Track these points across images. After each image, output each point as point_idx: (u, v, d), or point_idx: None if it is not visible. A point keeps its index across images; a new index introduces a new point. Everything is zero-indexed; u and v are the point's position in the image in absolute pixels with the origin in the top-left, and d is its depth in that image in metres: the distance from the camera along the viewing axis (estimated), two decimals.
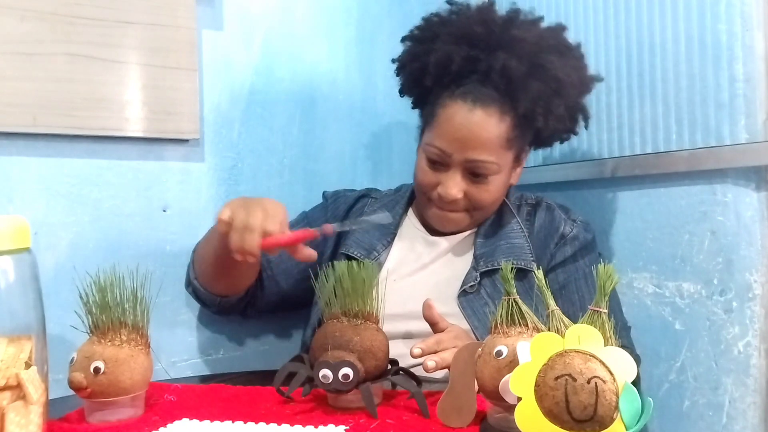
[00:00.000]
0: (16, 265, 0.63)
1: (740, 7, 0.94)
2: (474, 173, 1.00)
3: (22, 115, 1.06)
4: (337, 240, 1.13)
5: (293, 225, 1.18)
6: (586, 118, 1.07)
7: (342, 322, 0.76)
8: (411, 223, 1.13)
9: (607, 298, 0.61)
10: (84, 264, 0.87)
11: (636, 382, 0.93)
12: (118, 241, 1.16)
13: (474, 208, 1.03)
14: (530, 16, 1.03)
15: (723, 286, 0.98)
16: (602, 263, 1.03)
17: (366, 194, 1.20)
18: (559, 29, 1.04)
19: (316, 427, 0.68)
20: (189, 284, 1.12)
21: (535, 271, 0.65)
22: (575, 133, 1.09)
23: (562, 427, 0.55)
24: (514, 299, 0.66)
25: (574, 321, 0.62)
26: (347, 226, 0.98)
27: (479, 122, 0.96)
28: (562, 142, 1.15)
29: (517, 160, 1.06)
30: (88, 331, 0.74)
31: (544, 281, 0.65)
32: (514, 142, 1.00)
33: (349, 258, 1.05)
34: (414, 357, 0.80)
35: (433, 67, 1.00)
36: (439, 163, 1.01)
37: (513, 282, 0.67)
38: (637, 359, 1.01)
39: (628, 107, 1.13)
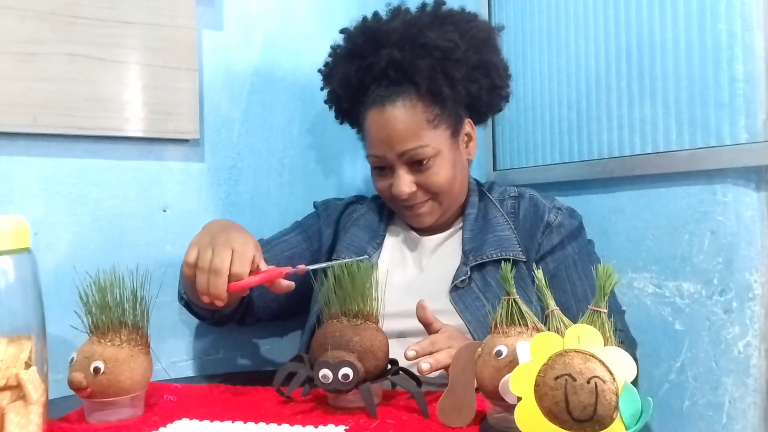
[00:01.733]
0: (16, 265, 0.63)
1: (740, 7, 0.94)
2: (413, 162, 1.02)
3: (22, 115, 1.06)
4: (330, 249, 1.14)
5: (287, 234, 1.19)
6: (505, 69, 1.10)
7: (342, 322, 0.76)
8: (399, 224, 1.15)
9: (607, 297, 0.61)
10: (84, 264, 0.87)
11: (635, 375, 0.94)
12: (118, 241, 1.16)
13: (434, 194, 1.04)
14: (410, 8, 1.07)
15: (723, 286, 0.98)
16: (594, 248, 1.05)
17: (354, 201, 1.22)
18: (437, 4, 1.07)
19: (316, 427, 0.68)
20: (180, 298, 1.11)
21: (535, 271, 0.65)
22: (504, 88, 1.10)
23: (561, 427, 0.55)
24: (513, 299, 0.66)
25: (568, 310, 0.62)
26: (321, 265, 0.91)
27: (393, 118, 1.01)
28: (502, 104, 1.14)
29: (456, 134, 1.06)
30: (88, 331, 0.74)
31: (543, 281, 0.65)
32: (439, 120, 1.02)
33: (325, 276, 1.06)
34: (408, 360, 0.80)
35: (341, 91, 1.08)
36: (383, 169, 1.06)
37: (513, 282, 0.67)
38: (633, 343, 1.04)
39: (628, 107, 1.13)
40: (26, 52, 1.06)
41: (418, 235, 1.12)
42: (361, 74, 1.05)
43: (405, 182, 1.02)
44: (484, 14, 1.47)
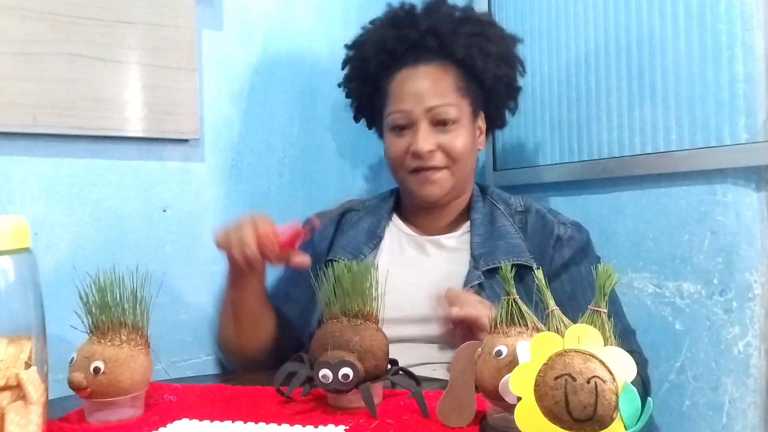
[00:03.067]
0: (16, 265, 0.63)
1: (740, 7, 0.94)
2: (439, 121, 1.04)
3: (22, 115, 1.06)
4: (327, 251, 1.13)
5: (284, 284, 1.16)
6: (522, 65, 1.16)
7: (342, 322, 0.76)
8: (397, 226, 1.14)
9: (606, 297, 0.61)
10: (84, 264, 0.87)
11: (646, 386, 0.94)
12: (118, 241, 1.16)
13: (452, 160, 1.05)
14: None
15: (723, 286, 0.98)
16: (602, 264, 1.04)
17: (349, 208, 1.20)
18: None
19: (316, 427, 0.68)
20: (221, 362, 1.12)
21: (535, 271, 0.65)
22: (515, 95, 1.16)
23: (561, 427, 0.55)
24: (513, 299, 0.66)
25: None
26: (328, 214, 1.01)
27: (427, 74, 1.05)
28: (513, 107, 1.18)
29: (475, 116, 1.10)
30: (88, 331, 0.74)
31: (543, 281, 0.65)
32: (466, 92, 1.07)
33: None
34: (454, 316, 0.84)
35: (371, 52, 1.10)
36: (404, 127, 1.06)
37: (513, 282, 0.67)
38: (645, 362, 1.00)
39: (628, 107, 1.13)
40: (26, 52, 1.06)
41: (419, 236, 1.11)
42: (396, 41, 1.08)
43: (427, 139, 1.03)
44: None
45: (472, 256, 1.04)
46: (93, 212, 1.14)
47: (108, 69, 1.12)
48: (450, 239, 1.09)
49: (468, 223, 1.10)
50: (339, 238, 1.14)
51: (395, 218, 1.15)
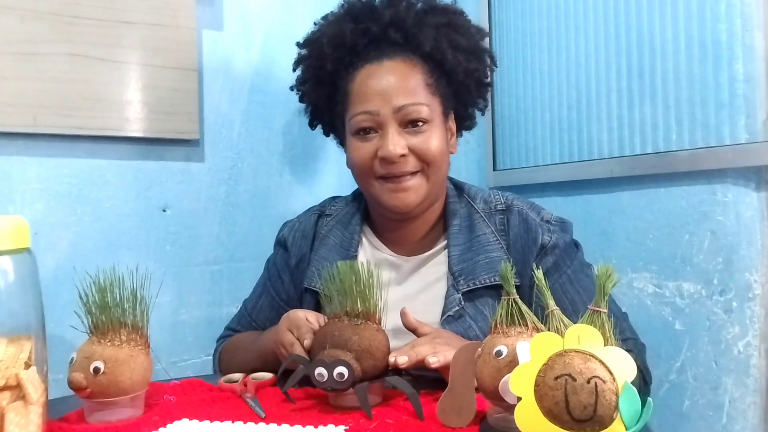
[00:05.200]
0: (16, 265, 0.63)
1: (740, 7, 0.94)
2: (409, 122, 0.94)
3: (22, 115, 1.06)
4: (300, 278, 1.06)
5: (259, 298, 1.12)
6: (492, 59, 1.07)
7: (343, 321, 0.76)
8: (370, 242, 1.05)
9: (606, 297, 0.61)
10: (84, 264, 0.87)
11: (643, 374, 0.92)
12: (118, 241, 1.16)
13: (426, 164, 0.95)
14: None
15: (723, 286, 0.98)
16: (585, 257, 1.02)
17: (321, 213, 1.10)
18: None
19: (316, 427, 0.68)
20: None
21: (535, 271, 0.65)
22: (485, 93, 1.06)
23: (561, 427, 0.55)
24: (513, 299, 0.66)
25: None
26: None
27: (393, 70, 0.95)
28: (483, 106, 1.08)
29: (446, 116, 1.00)
30: (88, 332, 0.74)
31: (543, 281, 0.65)
32: (436, 89, 0.97)
33: (312, 291, 1.01)
34: (400, 366, 0.76)
35: (328, 48, 0.99)
36: (371, 129, 0.95)
37: (513, 282, 0.67)
38: (641, 348, 0.96)
39: (628, 107, 1.13)
40: (26, 52, 1.06)
41: (395, 256, 1.02)
42: (356, 35, 0.98)
43: (398, 142, 0.92)
44: (484, 14, 1.47)
45: (451, 272, 0.96)
46: (93, 212, 1.14)
47: (108, 69, 1.12)
48: (428, 257, 1.01)
49: (446, 233, 1.01)
50: (314, 257, 1.05)
51: (368, 233, 1.06)
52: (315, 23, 1.06)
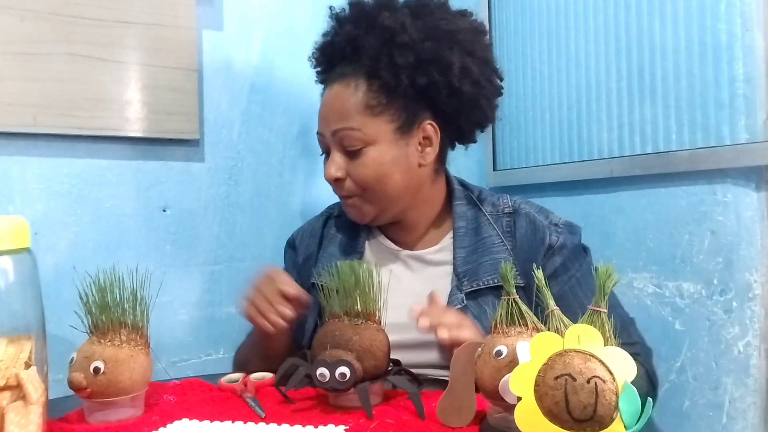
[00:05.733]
0: (16, 265, 0.63)
1: (740, 7, 0.94)
2: (344, 146, 0.96)
3: (22, 115, 1.06)
4: (306, 274, 1.08)
5: None
6: (485, 76, 0.99)
7: (343, 321, 0.76)
8: (378, 239, 1.07)
9: (606, 297, 0.61)
10: (84, 264, 0.87)
11: (651, 378, 0.92)
12: (118, 241, 1.16)
13: (361, 189, 0.96)
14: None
15: (723, 286, 0.98)
16: (593, 261, 1.02)
17: (329, 215, 1.13)
18: None
19: (316, 427, 0.68)
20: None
21: (535, 271, 0.65)
22: (478, 97, 0.98)
23: (561, 427, 0.55)
24: (513, 299, 0.66)
25: None
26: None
27: (335, 95, 0.98)
28: (481, 115, 1.02)
29: (405, 132, 0.97)
30: (88, 331, 0.74)
31: (544, 281, 0.65)
32: (383, 110, 0.95)
33: (320, 287, 1.02)
34: (421, 327, 0.78)
35: (315, 68, 1.06)
36: (325, 152, 1.01)
37: (513, 282, 0.67)
38: (648, 353, 0.96)
39: (628, 107, 1.13)
40: (26, 52, 1.06)
41: (401, 250, 1.04)
42: (327, 52, 1.03)
43: (334, 165, 0.96)
44: (484, 14, 1.47)
45: (456, 273, 0.97)
46: (93, 212, 1.14)
47: (108, 69, 1.13)
48: (433, 254, 1.02)
49: (452, 232, 1.02)
50: (321, 255, 1.08)
51: (374, 230, 1.07)
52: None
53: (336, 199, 1.07)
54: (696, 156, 1.00)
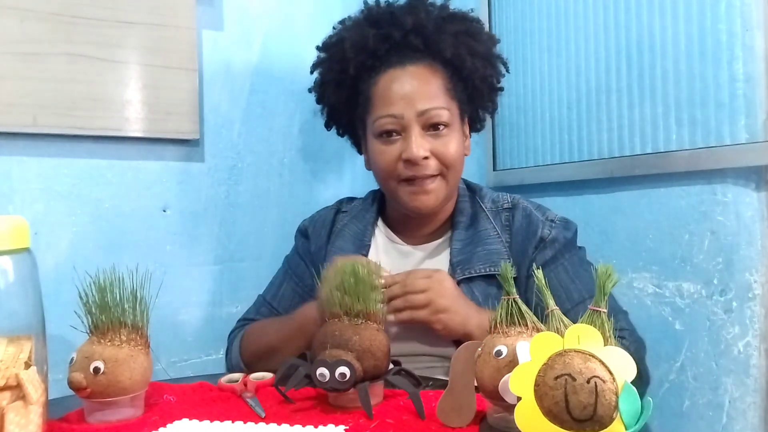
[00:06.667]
0: (16, 265, 0.63)
1: (740, 7, 0.94)
2: (431, 125, 0.98)
3: (22, 115, 1.06)
4: (316, 266, 1.07)
5: (280, 285, 1.13)
6: (505, 65, 1.10)
7: (343, 321, 0.76)
8: (383, 233, 1.10)
9: (606, 297, 0.61)
10: (84, 264, 0.87)
11: (640, 371, 0.92)
12: (118, 241, 1.16)
13: (446, 167, 0.99)
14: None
15: (723, 286, 0.98)
16: (586, 257, 1.03)
17: (339, 209, 1.15)
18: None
19: (316, 427, 0.68)
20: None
21: (535, 271, 0.65)
22: (499, 86, 1.10)
23: (561, 427, 0.55)
24: (513, 299, 0.66)
25: (565, 315, 0.62)
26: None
27: (415, 75, 0.99)
28: (492, 110, 1.13)
29: (463, 120, 1.05)
30: (88, 331, 0.74)
31: (543, 281, 0.65)
32: (454, 94, 1.02)
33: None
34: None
35: (351, 52, 1.02)
36: (394, 133, 0.99)
37: (512, 282, 0.67)
38: (641, 345, 0.97)
39: (628, 107, 1.13)
40: (26, 52, 1.06)
41: (405, 245, 1.07)
42: (378, 40, 1.01)
43: (421, 144, 0.97)
44: (484, 14, 1.47)
45: (451, 263, 1.01)
46: (93, 212, 1.14)
47: (108, 69, 1.13)
48: (433, 246, 1.06)
49: (452, 228, 1.05)
50: (330, 247, 1.09)
51: (381, 225, 1.11)
52: (334, 27, 1.09)
53: (339, 196, 1.08)
54: (696, 156, 1.00)
